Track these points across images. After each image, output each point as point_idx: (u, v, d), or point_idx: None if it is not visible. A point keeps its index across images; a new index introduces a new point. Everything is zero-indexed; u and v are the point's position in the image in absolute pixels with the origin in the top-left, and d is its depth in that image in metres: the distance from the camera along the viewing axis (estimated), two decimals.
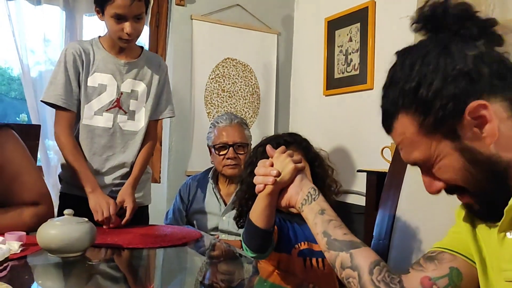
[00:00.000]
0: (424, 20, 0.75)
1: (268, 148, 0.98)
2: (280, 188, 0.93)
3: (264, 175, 0.91)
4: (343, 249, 0.81)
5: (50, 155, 2.52)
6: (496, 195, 0.68)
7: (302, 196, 0.91)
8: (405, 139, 0.73)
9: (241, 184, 1.24)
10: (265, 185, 0.91)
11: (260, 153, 1.19)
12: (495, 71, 0.67)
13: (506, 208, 0.65)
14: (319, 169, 1.24)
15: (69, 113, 1.59)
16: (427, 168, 0.73)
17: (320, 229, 0.86)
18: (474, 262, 0.75)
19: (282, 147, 0.96)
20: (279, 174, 0.90)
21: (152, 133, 1.75)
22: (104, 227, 1.50)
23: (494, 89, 0.67)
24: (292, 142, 1.23)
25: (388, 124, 0.75)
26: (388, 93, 0.74)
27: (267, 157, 1.12)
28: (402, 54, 0.74)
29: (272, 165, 0.93)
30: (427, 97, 0.68)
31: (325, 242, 0.85)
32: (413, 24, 0.76)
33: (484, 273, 0.73)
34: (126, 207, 1.56)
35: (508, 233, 0.68)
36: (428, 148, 0.70)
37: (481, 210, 0.72)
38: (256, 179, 0.93)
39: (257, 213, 0.97)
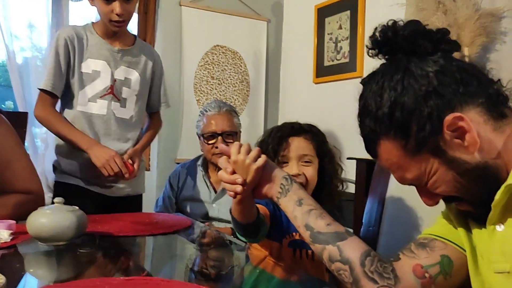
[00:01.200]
0: (378, 46, 0.76)
1: (222, 146, 0.91)
2: (251, 189, 0.88)
3: (229, 183, 0.86)
4: (329, 242, 0.79)
5: (38, 143, 2.49)
6: (491, 199, 0.68)
7: (276, 189, 0.88)
8: (392, 163, 0.73)
9: None
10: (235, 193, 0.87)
11: (288, 130, 1.16)
12: (459, 81, 0.68)
13: (493, 203, 0.66)
14: (329, 165, 1.21)
15: (53, 97, 1.60)
16: (421, 185, 0.74)
17: (301, 222, 0.84)
18: (465, 250, 0.76)
19: (236, 144, 0.88)
20: (244, 182, 0.85)
21: (155, 119, 1.82)
22: (122, 179, 1.57)
23: (464, 98, 0.68)
24: (309, 131, 1.19)
25: (372, 151, 0.76)
26: (364, 121, 0.75)
27: (275, 149, 1.11)
28: (368, 82, 0.75)
29: (234, 172, 0.86)
30: (403, 121, 0.69)
31: (308, 235, 0.82)
32: (368, 51, 0.77)
33: (474, 261, 0.74)
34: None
35: (497, 226, 0.69)
36: (418, 168, 0.71)
37: (480, 215, 0.72)
38: (224, 186, 0.88)
39: (237, 213, 0.96)
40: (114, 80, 1.63)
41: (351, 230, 1.77)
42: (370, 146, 0.76)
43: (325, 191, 1.17)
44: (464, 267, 0.76)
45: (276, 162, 1.13)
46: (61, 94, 1.61)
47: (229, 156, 0.87)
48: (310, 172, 1.13)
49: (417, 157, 0.70)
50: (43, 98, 1.59)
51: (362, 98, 0.76)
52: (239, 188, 0.84)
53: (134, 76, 1.68)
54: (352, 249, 0.78)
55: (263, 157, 0.87)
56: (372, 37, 0.76)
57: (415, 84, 0.69)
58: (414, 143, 0.69)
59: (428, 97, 0.68)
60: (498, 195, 0.66)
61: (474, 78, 0.70)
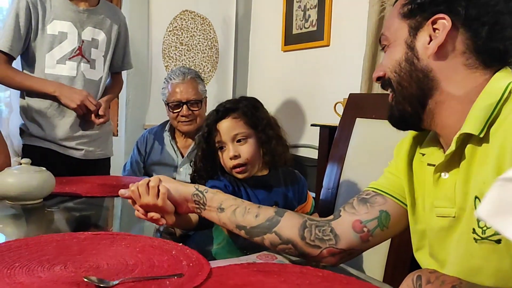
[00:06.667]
0: None
1: (121, 193, 0.92)
2: (172, 214, 0.90)
3: (150, 220, 0.89)
4: (266, 231, 0.83)
5: (1, 107, 2.45)
6: (410, 104, 0.74)
7: (192, 205, 0.90)
8: (391, 14, 0.77)
9: (197, 149, 1.18)
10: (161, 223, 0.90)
11: (213, 116, 1.15)
12: (486, 20, 0.68)
13: (446, 152, 0.70)
14: (263, 133, 1.16)
15: (9, 57, 1.59)
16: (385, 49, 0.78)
17: (231, 225, 0.86)
18: (405, 204, 0.82)
19: (134, 190, 0.89)
20: (160, 215, 0.89)
21: (116, 80, 1.85)
22: (98, 121, 1.63)
23: (470, 24, 0.69)
24: (235, 109, 1.15)
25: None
26: None
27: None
28: None
29: (146, 212, 0.89)
30: None
31: (244, 233, 0.85)
32: None
33: (413, 212, 0.80)
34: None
35: (443, 174, 0.73)
36: (393, 31, 0.75)
37: (395, 115, 0.77)
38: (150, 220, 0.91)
39: (180, 228, 1.00)
40: (82, 41, 1.64)
41: (315, 194, 1.85)
42: None
43: (266, 157, 1.16)
44: (402, 219, 0.82)
45: (214, 149, 1.14)
46: (18, 55, 1.61)
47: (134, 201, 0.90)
48: (245, 150, 1.12)
49: (401, 20, 0.74)
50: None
51: None
52: (161, 221, 0.89)
53: (101, 37, 1.69)
54: (289, 228, 0.82)
55: (162, 189, 0.88)
56: None
57: None
58: (408, 9, 0.73)
59: None
60: (452, 145, 0.69)
61: (505, 29, 0.69)
